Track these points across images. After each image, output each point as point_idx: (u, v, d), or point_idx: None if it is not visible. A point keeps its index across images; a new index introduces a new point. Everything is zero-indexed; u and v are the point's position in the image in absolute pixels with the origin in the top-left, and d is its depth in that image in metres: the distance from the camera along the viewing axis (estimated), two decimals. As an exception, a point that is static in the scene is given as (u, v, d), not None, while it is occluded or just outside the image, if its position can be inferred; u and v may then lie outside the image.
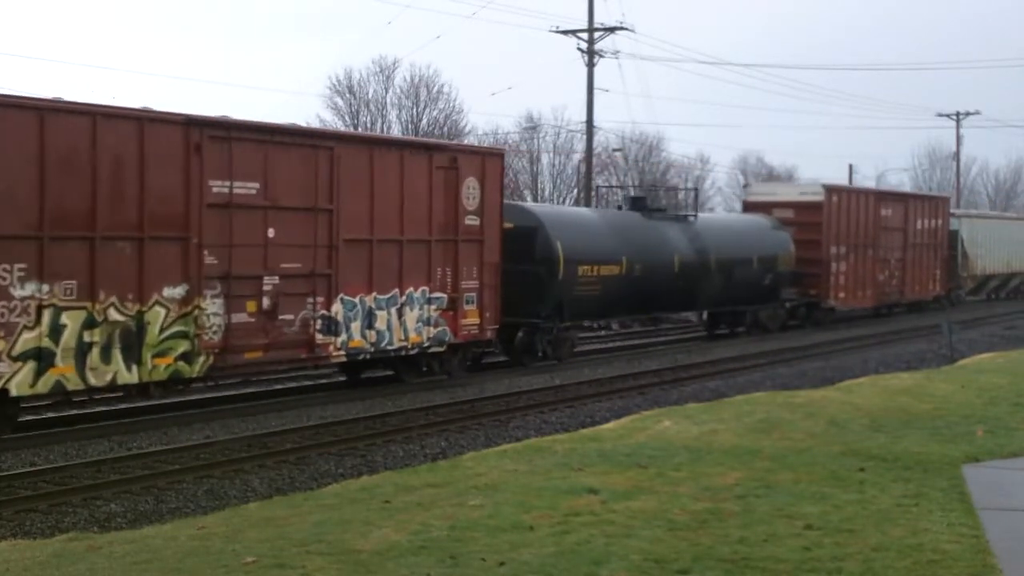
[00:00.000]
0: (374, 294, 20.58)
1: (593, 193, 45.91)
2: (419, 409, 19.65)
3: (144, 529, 11.34)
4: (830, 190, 37.44)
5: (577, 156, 68.64)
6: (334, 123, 66.62)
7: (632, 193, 42.28)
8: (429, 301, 21.71)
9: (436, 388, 22.33)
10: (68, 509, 12.94)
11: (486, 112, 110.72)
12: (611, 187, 45.90)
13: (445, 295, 22.10)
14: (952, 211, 48.05)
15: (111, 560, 9.62)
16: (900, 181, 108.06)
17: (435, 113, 69.07)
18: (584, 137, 47.53)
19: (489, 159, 23.58)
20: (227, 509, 12.46)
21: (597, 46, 44.12)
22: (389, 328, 20.91)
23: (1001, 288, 54.82)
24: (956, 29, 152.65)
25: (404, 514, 11.03)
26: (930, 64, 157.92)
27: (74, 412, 18.56)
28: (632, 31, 44.33)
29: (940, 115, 78.48)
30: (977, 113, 78.02)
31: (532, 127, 74.19)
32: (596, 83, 44.61)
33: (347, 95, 67.92)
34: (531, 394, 21.73)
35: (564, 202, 51.29)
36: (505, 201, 24.98)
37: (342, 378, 22.84)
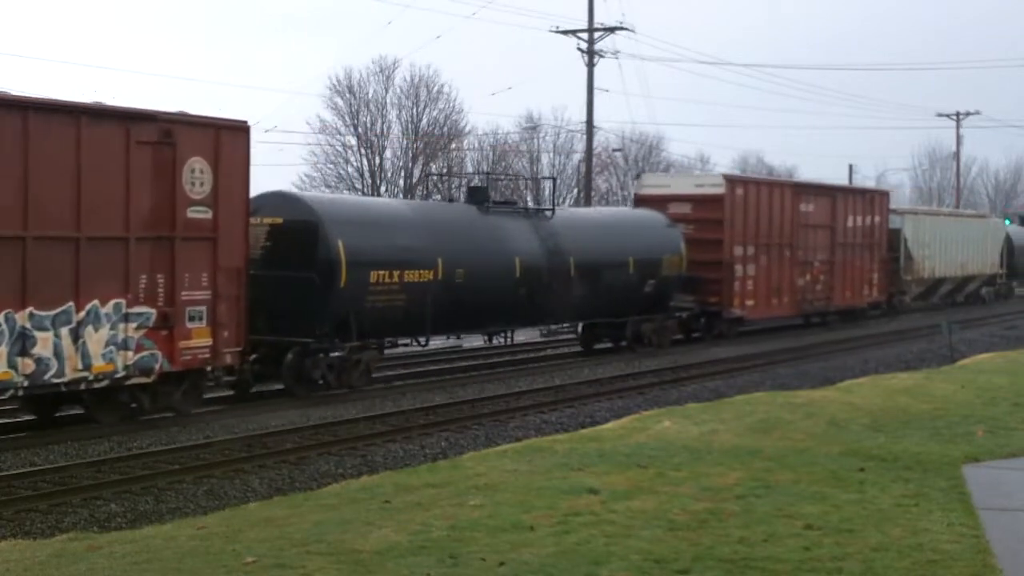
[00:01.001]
0: (30, 309, 15.62)
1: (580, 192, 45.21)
2: (419, 409, 19.64)
3: (144, 529, 11.35)
4: (733, 182, 32.55)
5: (577, 156, 68.68)
6: (334, 123, 66.67)
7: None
8: (127, 318, 16.75)
9: (436, 389, 22.30)
10: (68, 509, 12.95)
11: (486, 112, 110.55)
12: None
13: (153, 310, 17.08)
14: (893, 207, 43.17)
15: (111, 560, 9.62)
16: (900, 181, 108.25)
17: (435, 113, 69.06)
18: (584, 137, 47.53)
19: (227, 134, 18.36)
20: (227, 509, 12.47)
21: (597, 46, 44.12)
22: (58, 354, 15.95)
23: (956, 292, 48.81)
24: (956, 29, 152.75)
25: (404, 514, 11.03)
26: (930, 64, 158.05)
27: (74, 412, 18.57)
28: (632, 31, 44.31)
29: (940, 115, 78.49)
30: (977, 113, 77.99)
31: (532, 127, 74.15)
32: (596, 83, 44.57)
33: (347, 95, 67.87)
34: (531, 394, 21.73)
35: (564, 202, 50.94)
36: (275, 190, 21.12)
37: (31, 417, 17.98)
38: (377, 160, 67.89)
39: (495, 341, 27.24)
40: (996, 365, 25.42)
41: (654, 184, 34.29)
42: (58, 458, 15.38)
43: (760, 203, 32.68)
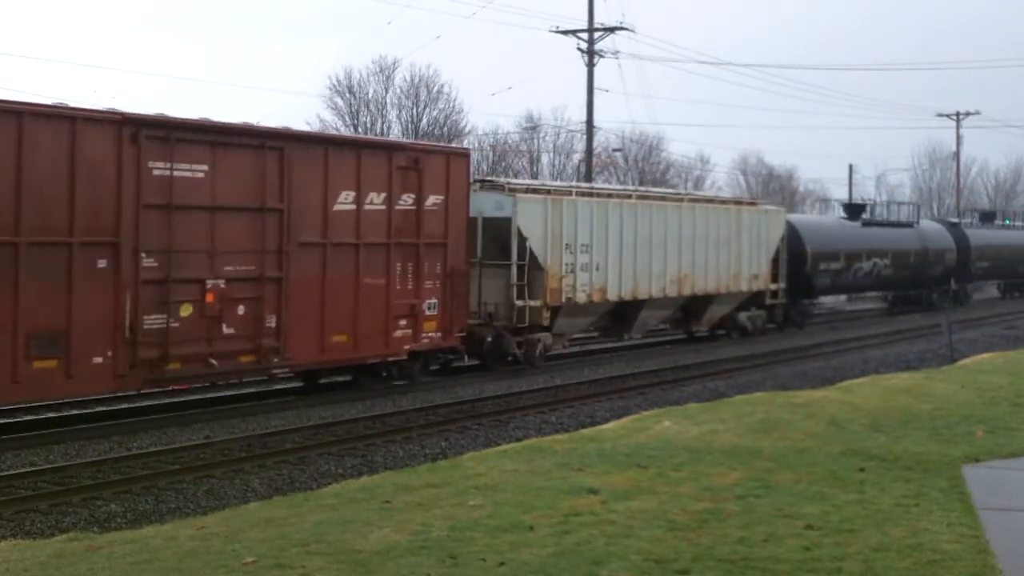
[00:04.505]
0: None
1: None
2: (419, 409, 19.64)
3: (144, 529, 11.34)
4: None
5: (577, 156, 68.69)
6: (334, 123, 66.67)
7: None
8: None
9: (436, 388, 22.33)
10: (68, 509, 12.96)
11: (486, 112, 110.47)
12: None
13: None
14: (495, 180, 27.19)
15: (111, 560, 9.62)
16: (900, 181, 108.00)
17: (435, 113, 69.04)
18: (584, 137, 47.52)
19: None
20: (227, 509, 12.47)
21: (597, 46, 44.11)
22: None
23: (688, 321, 31.29)
24: (956, 29, 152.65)
25: (404, 514, 11.03)
26: (930, 64, 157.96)
27: (74, 412, 18.57)
28: (632, 31, 44.33)
29: (940, 115, 78.54)
30: (977, 113, 78.06)
31: (532, 127, 74.16)
32: (596, 83, 44.59)
33: (347, 95, 67.88)
34: (531, 394, 21.73)
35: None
36: None
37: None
38: (377, 160, 67.77)
39: None
40: (996, 365, 25.41)
41: None
42: (58, 458, 15.38)
43: None
